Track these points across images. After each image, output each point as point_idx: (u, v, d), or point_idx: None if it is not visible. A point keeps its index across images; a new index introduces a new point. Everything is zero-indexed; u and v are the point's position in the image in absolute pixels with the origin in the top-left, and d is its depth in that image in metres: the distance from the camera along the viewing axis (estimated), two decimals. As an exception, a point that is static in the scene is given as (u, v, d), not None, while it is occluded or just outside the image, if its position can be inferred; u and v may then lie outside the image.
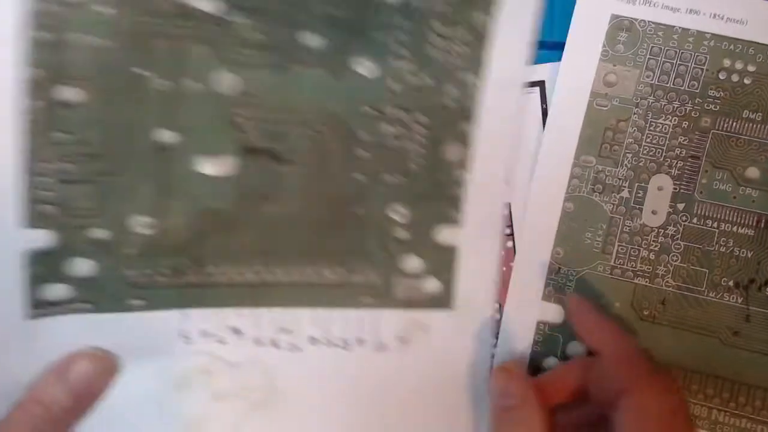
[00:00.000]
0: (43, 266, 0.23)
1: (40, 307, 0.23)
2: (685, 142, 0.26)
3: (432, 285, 0.26)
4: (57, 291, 0.23)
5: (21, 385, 0.22)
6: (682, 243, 0.26)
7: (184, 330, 0.25)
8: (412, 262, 0.26)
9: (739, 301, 0.26)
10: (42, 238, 0.23)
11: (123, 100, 0.23)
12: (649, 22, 0.25)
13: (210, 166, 0.24)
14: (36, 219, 0.22)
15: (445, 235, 0.26)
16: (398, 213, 0.26)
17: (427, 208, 0.26)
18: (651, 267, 0.26)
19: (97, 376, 0.23)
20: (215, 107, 0.24)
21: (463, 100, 0.25)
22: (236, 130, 0.24)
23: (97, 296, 0.24)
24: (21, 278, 0.23)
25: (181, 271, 0.24)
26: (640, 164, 0.26)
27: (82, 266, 0.23)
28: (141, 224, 0.23)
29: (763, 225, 0.26)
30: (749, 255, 0.26)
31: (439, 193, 0.26)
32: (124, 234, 0.23)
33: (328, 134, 0.25)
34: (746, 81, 0.25)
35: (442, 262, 0.26)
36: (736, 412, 0.26)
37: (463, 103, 0.25)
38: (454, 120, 0.25)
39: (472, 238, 0.26)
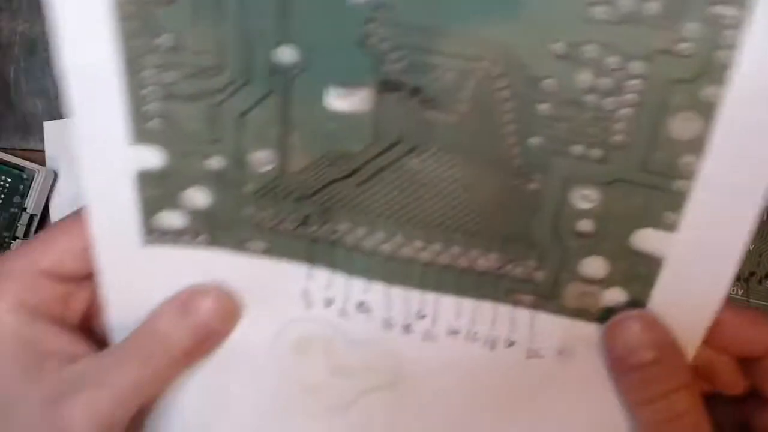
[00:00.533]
0: (155, 189, 0.20)
1: (154, 233, 0.21)
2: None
3: (614, 296, 0.20)
4: (171, 219, 0.21)
5: (136, 316, 0.20)
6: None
7: (308, 291, 0.21)
8: (594, 265, 0.20)
9: (740, 293, 0.27)
10: (152, 157, 0.20)
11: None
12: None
13: (339, 100, 0.19)
14: (143, 135, 0.20)
15: (648, 239, 0.19)
16: (585, 198, 0.19)
17: (630, 198, 0.19)
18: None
19: (221, 318, 0.21)
20: (342, 19, 0.18)
21: (710, 46, 0.16)
22: (370, 55, 0.18)
23: (214, 228, 0.21)
24: (134, 201, 0.20)
25: (307, 222, 0.21)
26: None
27: (197, 195, 0.21)
28: (259, 158, 0.20)
29: (764, 218, 0.27)
30: (750, 248, 0.27)
31: (652, 181, 0.18)
32: (241, 166, 0.20)
33: (497, 76, 0.18)
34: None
35: (636, 272, 0.19)
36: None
37: (709, 52, 0.16)
38: (692, 76, 0.17)
39: (689, 252, 0.19)
